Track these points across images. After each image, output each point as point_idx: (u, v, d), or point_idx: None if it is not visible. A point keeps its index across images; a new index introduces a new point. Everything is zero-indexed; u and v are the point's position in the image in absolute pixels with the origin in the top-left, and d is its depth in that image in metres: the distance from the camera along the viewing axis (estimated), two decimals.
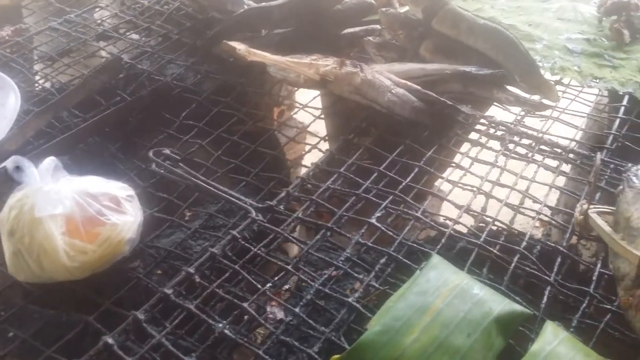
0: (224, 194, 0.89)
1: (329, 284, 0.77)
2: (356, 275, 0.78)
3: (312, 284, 0.76)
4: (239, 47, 1.02)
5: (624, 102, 1.13)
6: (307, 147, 1.05)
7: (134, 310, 0.71)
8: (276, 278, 0.76)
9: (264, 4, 1.22)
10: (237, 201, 0.87)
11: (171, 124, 1.09)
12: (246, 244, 0.80)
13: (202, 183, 0.90)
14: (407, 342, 0.64)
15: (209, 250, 0.78)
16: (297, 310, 0.72)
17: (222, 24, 1.24)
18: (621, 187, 0.78)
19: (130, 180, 0.96)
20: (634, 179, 0.76)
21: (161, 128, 1.08)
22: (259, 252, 0.79)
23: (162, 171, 0.93)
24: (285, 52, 1.13)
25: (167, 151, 0.94)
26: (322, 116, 1.17)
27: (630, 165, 0.98)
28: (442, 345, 0.64)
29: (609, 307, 0.75)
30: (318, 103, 1.21)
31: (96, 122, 1.04)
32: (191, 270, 0.75)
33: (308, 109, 1.16)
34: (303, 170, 0.99)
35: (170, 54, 1.24)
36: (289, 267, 0.77)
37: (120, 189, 0.83)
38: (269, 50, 1.12)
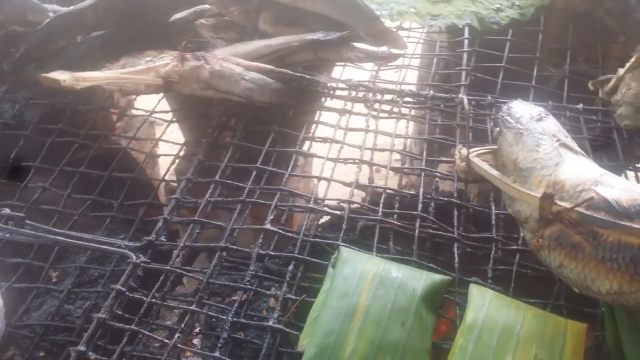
0: (88, 243, 0.76)
1: (242, 312, 0.70)
2: (268, 292, 0.72)
3: (224, 317, 0.68)
4: (62, 77, 0.87)
5: (466, 35, 1.15)
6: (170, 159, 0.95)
7: None
8: (182, 325, 0.67)
9: (73, 7, 1.06)
10: (108, 247, 0.76)
11: (0, 172, 0.92)
12: (136, 295, 0.70)
13: (58, 237, 0.77)
14: (347, 355, 0.59)
15: (94, 317, 0.66)
16: (216, 354, 0.64)
17: (28, 39, 1.06)
18: (498, 129, 0.77)
19: None
20: (509, 118, 0.76)
21: None
22: (153, 300, 0.69)
23: (7, 236, 0.78)
24: (110, 55, 1.00)
25: (6, 211, 0.79)
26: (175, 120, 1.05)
27: (489, 98, 1.01)
28: (381, 345, 0.60)
29: (515, 247, 0.76)
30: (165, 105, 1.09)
31: None
32: (81, 348, 0.63)
33: (158, 115, 1.04)
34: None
35: None
36: (193, 307, 0.68)
37: None
38: (93, 58, 0.98)
